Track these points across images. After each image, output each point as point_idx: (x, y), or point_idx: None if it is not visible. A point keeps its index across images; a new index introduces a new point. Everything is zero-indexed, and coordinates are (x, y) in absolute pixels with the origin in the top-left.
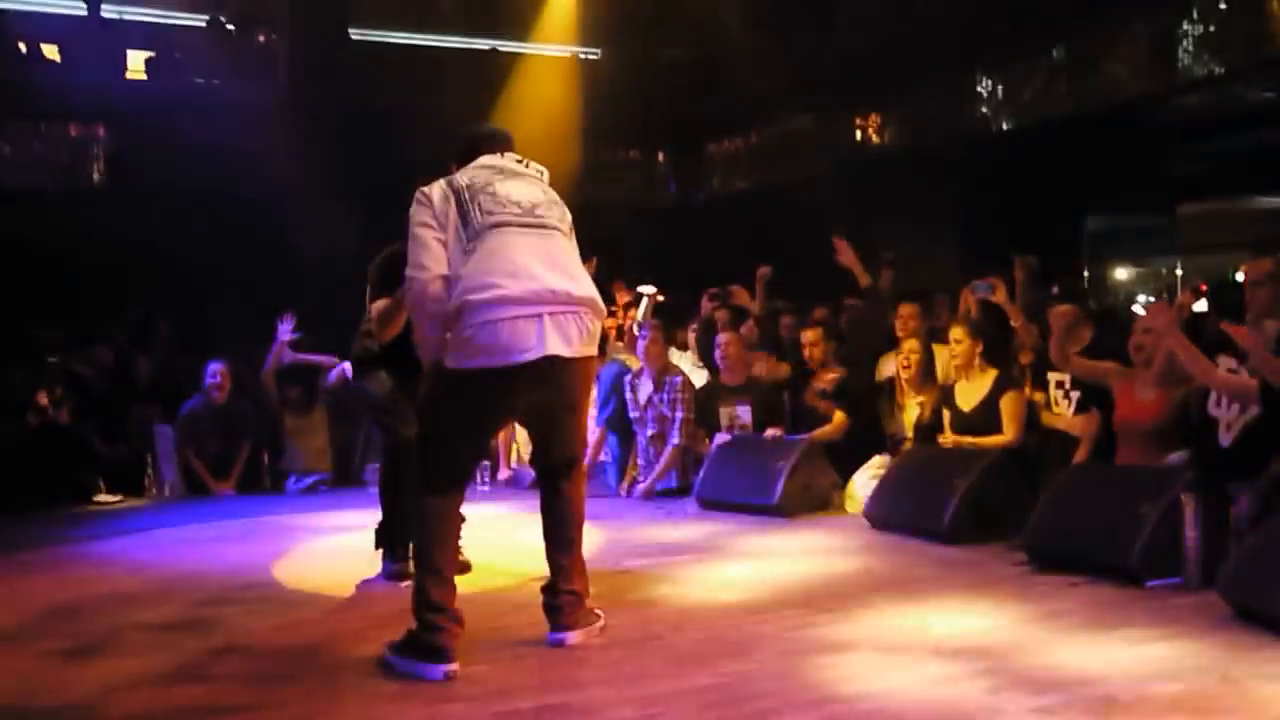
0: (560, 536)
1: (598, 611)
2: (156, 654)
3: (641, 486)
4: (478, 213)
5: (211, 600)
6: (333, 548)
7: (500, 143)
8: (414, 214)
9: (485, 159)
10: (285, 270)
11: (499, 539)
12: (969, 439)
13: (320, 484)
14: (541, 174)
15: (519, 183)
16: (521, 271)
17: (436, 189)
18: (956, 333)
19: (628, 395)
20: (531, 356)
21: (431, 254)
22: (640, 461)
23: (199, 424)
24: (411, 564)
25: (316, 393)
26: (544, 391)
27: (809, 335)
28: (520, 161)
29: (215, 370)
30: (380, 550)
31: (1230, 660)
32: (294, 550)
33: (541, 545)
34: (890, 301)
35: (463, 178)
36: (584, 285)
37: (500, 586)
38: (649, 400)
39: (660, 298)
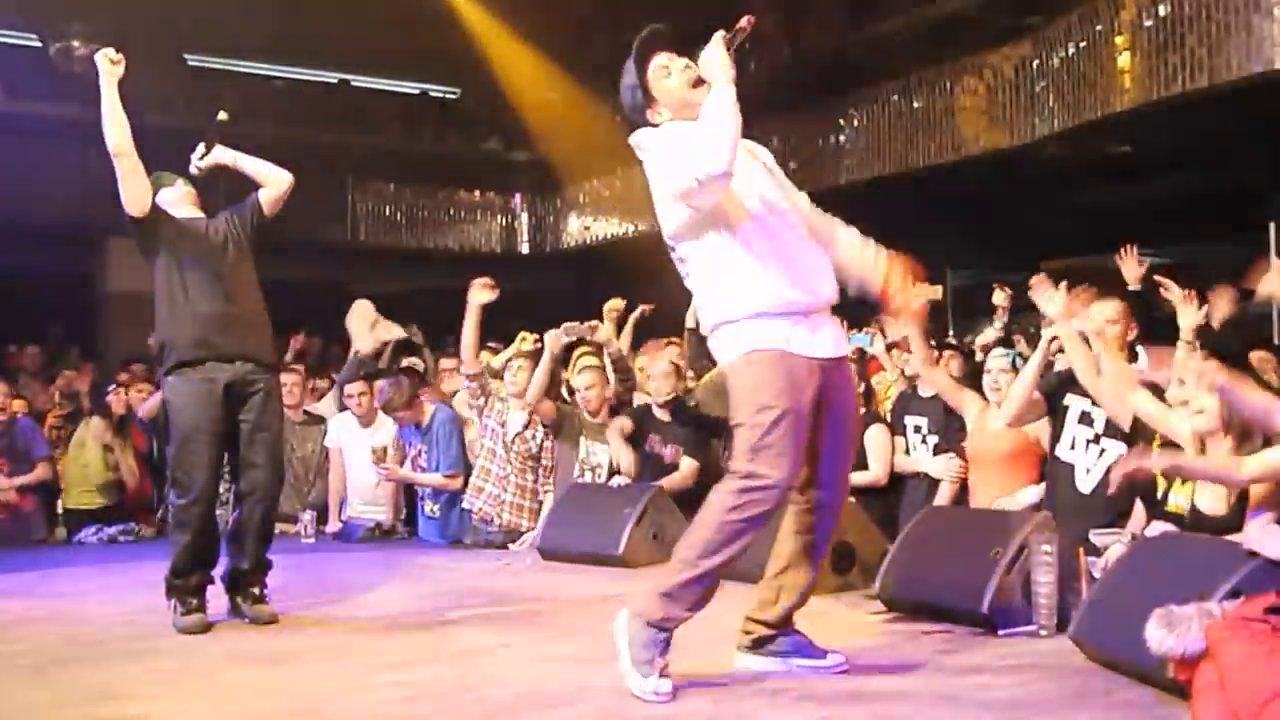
0: None
1: None
2: None
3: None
4: None
5: None
6: (108, 599)
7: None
8: None
9: None
10: (97, 304)
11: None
12: None
13: (124, 534)
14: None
15: None
16: None
17: None
18: None
19: (493, 425)
20: None
21: None
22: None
23: None
24: (204, 614)
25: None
26: None
27: (656, 367)
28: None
29: None
30: (172, 602)
31: (1078, 704)
32: (71, 605)
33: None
34: None
35: None
36: None
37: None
38: (518, 434)
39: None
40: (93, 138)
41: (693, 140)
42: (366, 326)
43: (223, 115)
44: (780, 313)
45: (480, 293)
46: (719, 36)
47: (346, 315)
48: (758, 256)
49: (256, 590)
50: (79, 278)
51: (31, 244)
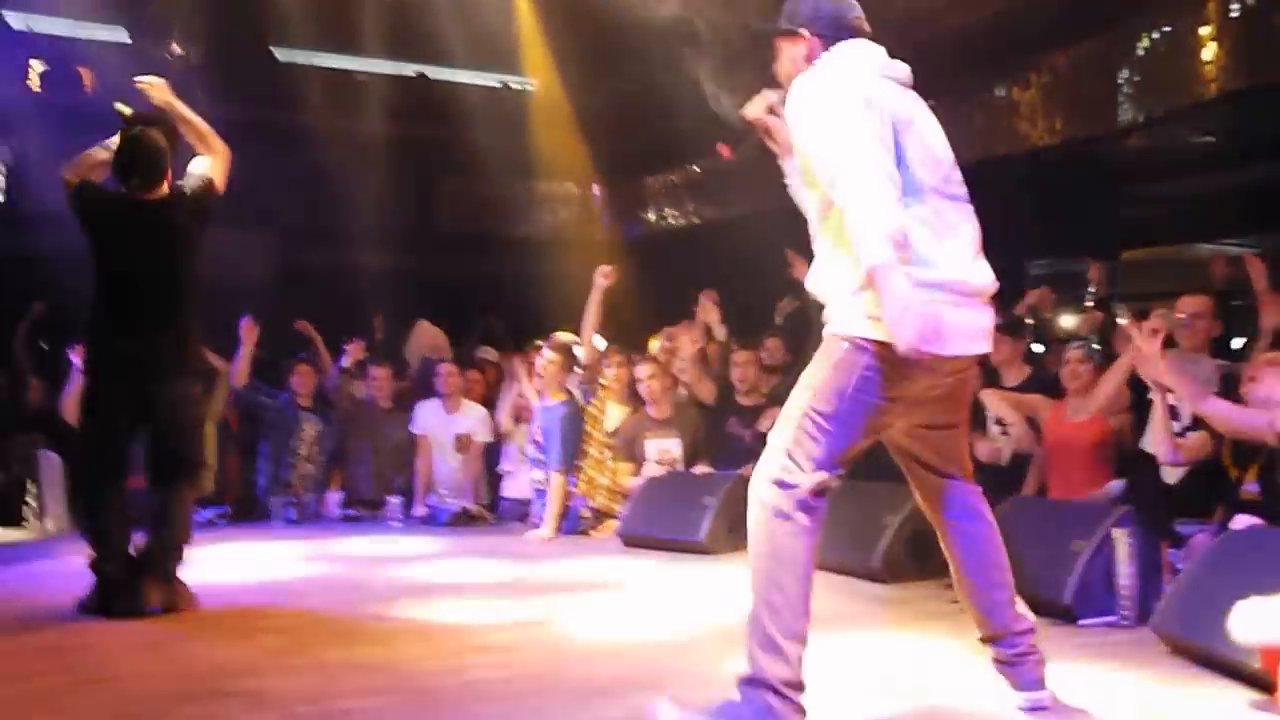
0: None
1: None
2: (16, 684)
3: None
4: (915, 163)
5: (83, 631)
6: (218, 580)
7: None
8: (840, 112)
9: (873, 54)
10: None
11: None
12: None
13: (219, 518)
14: None
15: (933, 122)
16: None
17: (849, 88)
18: None
19: (594, 414)
20: (975, 351)
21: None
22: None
23: None
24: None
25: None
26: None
27: (740, 356)
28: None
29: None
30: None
31: (1161, 694)
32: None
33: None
34: None
35: (869, 85)
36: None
37: (402, 617)
38: (617, 429)
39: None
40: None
41: None
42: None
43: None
44: None
45: (602, 281)
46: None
47: (412, 339)
48: None
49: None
50: None
51: None
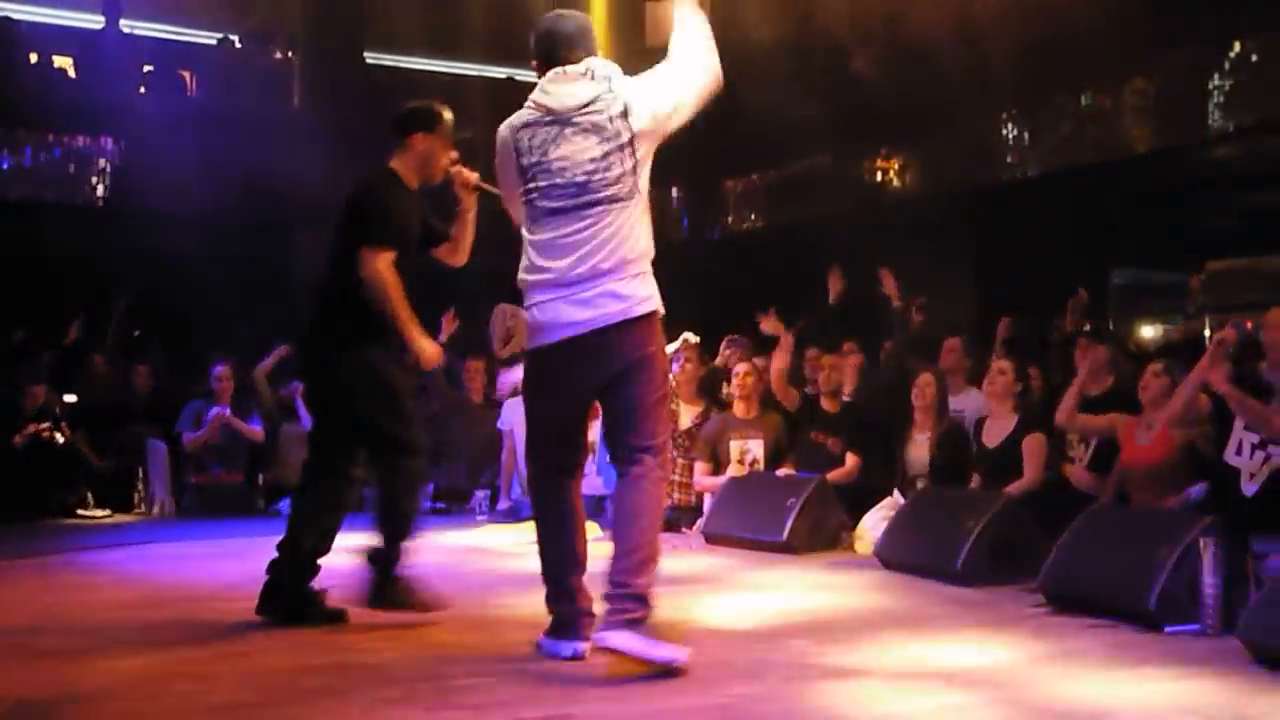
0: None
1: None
2: (153, 655)
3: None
4: (536, 193)
5: (207, 609)
6: (333, 565)
7: (563, 46)
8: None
9: (547, 80)
10: (288, 293)
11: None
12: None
13: None
14: (606, 82)
15: (574, 139)
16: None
17: (500, 136)
18: (1001, 365)
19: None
20: (569, 333)
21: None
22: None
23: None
24: None
25: None
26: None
27: (829, 360)
28: (584, 74)
29: (219, 372)
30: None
31: (1247, 700)
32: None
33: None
34: (915, 342)
35: (520, 118)
36: (615, 256)
37: (504, 605)
38: (686, 430)
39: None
40: (287, 133)
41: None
42: (504, 333)
43: None
44: None
45: None
46: None
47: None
48: None
49: None
50: (275, 270)
51: (229, 236)
